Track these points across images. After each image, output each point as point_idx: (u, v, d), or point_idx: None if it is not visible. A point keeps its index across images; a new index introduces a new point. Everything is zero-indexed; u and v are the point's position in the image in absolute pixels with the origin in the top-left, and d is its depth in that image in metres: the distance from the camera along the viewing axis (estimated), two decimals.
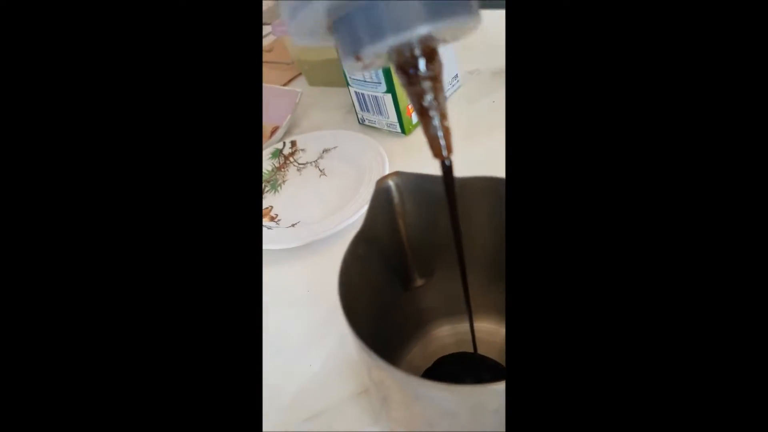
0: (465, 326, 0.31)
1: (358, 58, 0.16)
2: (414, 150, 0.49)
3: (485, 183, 0.23)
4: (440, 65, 0.16)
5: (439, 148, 0.16)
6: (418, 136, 0.53)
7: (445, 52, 0.45)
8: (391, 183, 0.24)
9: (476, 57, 0.62)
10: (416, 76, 0.16)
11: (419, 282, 0.29)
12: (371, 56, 0.15)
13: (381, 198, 0.24)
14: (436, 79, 0.16)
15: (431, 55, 0.16)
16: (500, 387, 0.15)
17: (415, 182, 0.24)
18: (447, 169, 0.18)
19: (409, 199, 0.24)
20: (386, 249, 0.25)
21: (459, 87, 0.57)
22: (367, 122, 0.55)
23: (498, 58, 0.61)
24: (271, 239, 0.43)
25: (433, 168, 0.20)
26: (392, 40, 0.15)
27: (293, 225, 0.45)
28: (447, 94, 0.56)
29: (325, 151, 0.53)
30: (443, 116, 0.16)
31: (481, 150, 0.45)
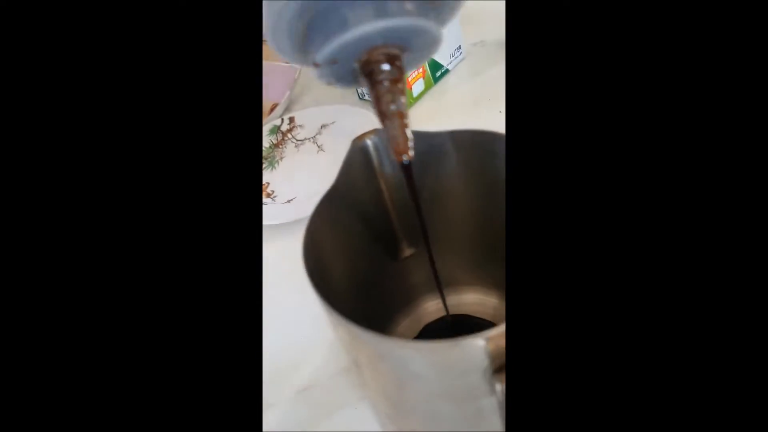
0: (458, 299, 0.30)
1: (315, 65, 0.16)
2: (413, 124, 0.48)
3: (476, 137, 0.22)
4: (400, 71, 0.16)
5: (399, 148, 0.15)
6: (418, 110, 0.51)
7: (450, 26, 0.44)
8: (369, 142, 0.22)
9: (481, 29, 0.59)
10: (377, 81, 0.16)
11: (408, 252, 0.28)
12: (326, 61, 0.16)
13: (358, 158, 0.22)
14: (396, 82, 0.16)
15: (392, 61, 0.16)
16: (461, 343, 0.14)
17: None
18: (406, 167, 0.18)
19: (389, 157, 0.23)
20: (367, 214, 0.24)
21: (462, 59, 0.55)
22: (367, 97, 0.53)
23: (503, 30, 0.59)
24: (266, 215, 0.42)
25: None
26: (338, 41, 0.15)
27: (289, 201, 0.44)
28: (450, 66, 0.54)
29: (324, 126, 0.51)
30: (402, 117, 0.16)
31: (484, 124, 0.43)
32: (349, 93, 0.56)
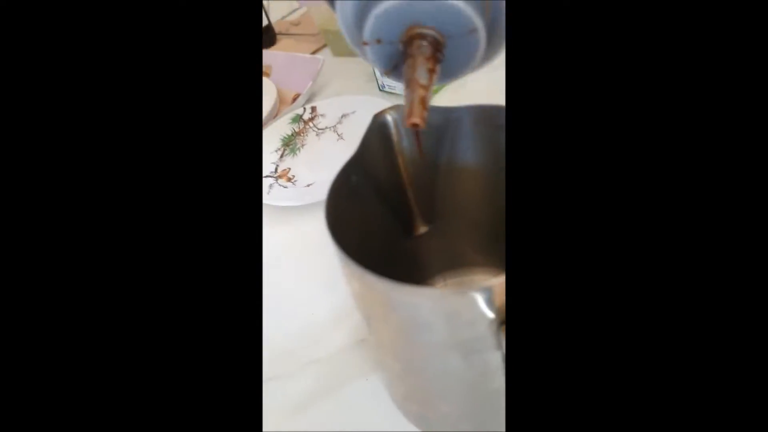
0: (470, 280, 0.31)
1: (364, 44, 0.18)
2: None
3: (491, 111, 0.23)
4: (435, 53, 0.17)
5: (411, 113, 0.17)
6: (437, 101, 0.52)
7: None
8: (389, 117, 0.24)
9: None
10: (410, 54, 0.17)
11: (422, 228, 0.29)
12: (371, 38, 0.17)
13: (378, 132, 0.24)
14: (428, 59, 0.17)
15: (432, 44, 0.17)
16: (472, 292, 0.15)
17: None
18: (415, 132, 0.19)
19: (407, 133, 0.24)
20: (384, 187, 0.25)
21: None
22: (387, 88, 0.54)
23: None
24: (287, 197, 0.44)
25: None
26: (375, 13, 0.16)
27: (308, 185, 0.45)
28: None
29: (344, 116, 0.53)
30: (423, 88, 0.17)
31: None
32: (370, 84, 0.57)
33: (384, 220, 0.27)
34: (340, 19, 0.18)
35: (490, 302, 0.15)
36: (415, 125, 0.16)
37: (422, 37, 0.17)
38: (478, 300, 0.15)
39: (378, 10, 0.16)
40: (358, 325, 0.33)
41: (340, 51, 0.67)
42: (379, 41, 0.17)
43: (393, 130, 0.24)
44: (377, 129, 0.24)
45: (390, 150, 0.25)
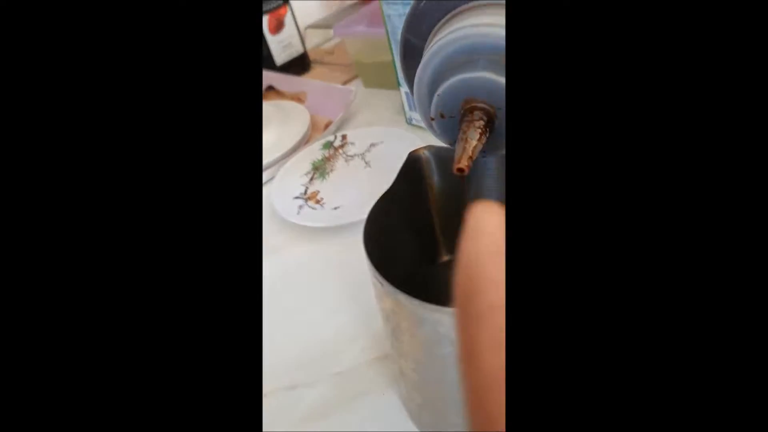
0: None
1: (431, 119, 0.20)
2: None
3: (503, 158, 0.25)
4: (486, 124, 0.19)
5: (462, 161, 0.19)
6: None
7: None
8: (422, 154, 0.26)
9: None
10: (466, 120, 0.19)
11: (445, 257, 0.31)
12: (436, 113, 0.20)
13: (411, 167, 0.26)
14: (478, 127, 0.20)
15: (485, 115, 0.19)
16: None
17: (446, 155, 0.26)
18: (461, 175, 0.21)
19: (439, 170, 0.27)
20: (413, 215, 0.28)
21: None
22: (414, 122, 0.57)
23: None
24: (316, 219, 0.47)
25: None
26: (442, 88, 0.19)
27: (335, 208, 0.48)
28: None
29: (372, 145, 0.56)
30: (470, 145, 0.19)
31: None
32: (398, 117, 0.61)
33: (411, 246, 0.29)
34: (417, 102, 0.21)
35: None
36: (461, 170, 0.18)
37: (476, 108, 0.19)
38: None
39: (440, 89, 0.19)
40: (378, 341, 0.35)
41: (371, 83, 0.71)
42: (442, 116, 0.20)
43: (425, 166, 0.27)
44: (411, 164, 0.26)
45: (421, 183, 0.27)
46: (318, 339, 0.37)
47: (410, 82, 0.22)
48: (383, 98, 0.67)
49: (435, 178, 0.27)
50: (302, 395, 0.33)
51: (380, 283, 0.20)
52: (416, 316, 0.19)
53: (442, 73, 0.19)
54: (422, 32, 0.22)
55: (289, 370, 0.35)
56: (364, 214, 0.44)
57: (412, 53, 0.22)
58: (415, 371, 0.23)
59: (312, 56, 0.82)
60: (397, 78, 0.55)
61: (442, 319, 0.18)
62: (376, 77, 0.69)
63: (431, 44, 0.20)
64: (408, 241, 0.28)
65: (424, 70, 0.20)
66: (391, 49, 0.53)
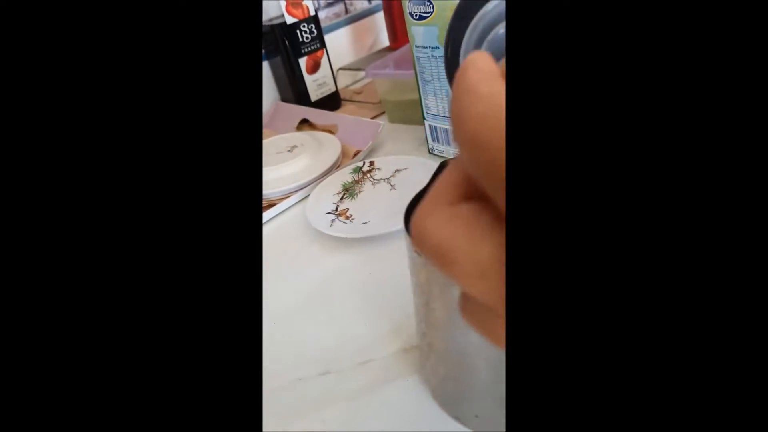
0: None
1: None
2: None
3: None
4: None
5: None
6: None
7: None
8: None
9: None
10: None
11: None
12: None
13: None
14: None
15: None
16: None
17: None
18: None
19: None
20: None
21: None
22: (436, 152, 0.63)
23: None
24: (346, 231, 0.52)
25: None
26: None
27: (364, 223, 0.53)
28: None
29: (398, 171, 0.62)
30: None
31: None
32: (421, 148, 0.67)
33: None
34: (464, 53, 0.23)
35: None
36: None
37: None
38: None
39: (490, 35, 0.22)
40: (402, 335, 0.39)
41: (395, 119, 0.78)
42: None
43: None
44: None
45: None
46: (347, 334, 0.41)
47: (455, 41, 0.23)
48: (407, 132, 0.73)
49: None
50: (332, 380, 0.37)
51: (417, 254, 0.24)
52: (448, 282, 0.23)
53: (493, 23, 0.22)
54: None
55: (322, 360, 0.39)
56: (390, 228, 0.49)
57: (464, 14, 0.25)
58: (443, 340, 0.27)
59: (342, 95, 0.90)
60: (422, 113, 0.61)
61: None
62: (400, 113, 0.76)
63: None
64: None
65: (479, 20, 0.23)
66: (418, 86, 0.59)
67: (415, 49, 0.56)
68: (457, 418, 0.31)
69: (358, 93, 0.91)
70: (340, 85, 0.91)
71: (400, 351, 0.38)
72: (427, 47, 0.54)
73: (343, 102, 0.89)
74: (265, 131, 0.82)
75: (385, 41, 1.03)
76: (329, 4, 0.99)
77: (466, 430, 0.30)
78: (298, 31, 0.77)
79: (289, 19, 0.76)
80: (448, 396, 0.30)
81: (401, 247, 0.49)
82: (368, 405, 0.34)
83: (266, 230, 0.58)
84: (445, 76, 0.54)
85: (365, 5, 1.04)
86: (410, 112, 0.73)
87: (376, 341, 0.39)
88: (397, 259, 0.48)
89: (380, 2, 1.03)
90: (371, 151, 0.69)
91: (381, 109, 0.82)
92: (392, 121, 0.78)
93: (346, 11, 1.02)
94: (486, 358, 0.25)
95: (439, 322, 0.26)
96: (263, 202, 0.61)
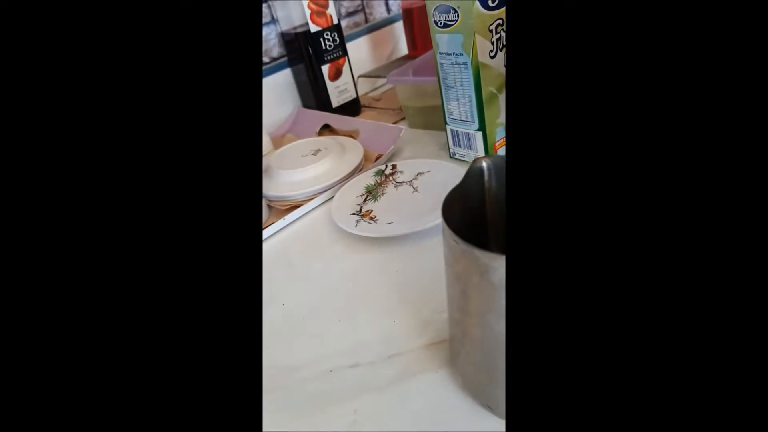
0: None
1: None
2: None
3: None
4: None
5: None
6: None
7: None
8: (484, 163, 0.33)
9: None
10: None
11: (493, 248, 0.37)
12: None
13: (475, 173, 0.33)
14: None
15: None
16: None
17: (502, 163, 0.33)
18: None
19: (496, 177, 0.33)
20: (470, 215, 0.34)
21: None
22: (457, 155, 0.65)
23: None
24: (371, 230, 0.53)
25: None
26: None
27: (388, 223, 0.55)
28: None
29: (419, 174, 0.63)
30: None
31: None
32: (442, 152, 0.68)
33: (468, 233, 0.35)
34: None
35: None
36: None
37: None
38: None
39: None
40: (431, 329, 0.40)
41: (415, 124, 0.79)
42: None
43: (486, 172, 0.33)
44: (475, 169, 0.33)
45: (481, 187, 0.34)
46: (375, 329, 0.42)
47: None
48: (427, 137, 0.75)
49: (492, 183, 0.33)
50: (362, 372, 0.38)
51: (455, 242, 0.25)
52: (487, 266, 0.25)
53: None
54: None
55: (351, 353, 0.40)
56: (414, 228, 0.50)
57: None
58: (479, 326, 0.28)
59: (362, 102, 0.92)
60: (444, 118, 0.63)
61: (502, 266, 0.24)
62: (421, 119, 0.78)
63: None
64: (467, 229, 0.34)
65: None
66: (441, 92, 0.61)
67: (438, 55, 0.57)
68: (489, 407, 0.31)
69: (377, 100, 0.93)
70: (361, 92, 0.93)
71: (429, 345, 0.39)
72: (451, 54, 0.55)
73: (362, 108, 0.91)
74: (288, 136, 0.84)
75: (404, 50, 1.05)
76: (350, 14, 1.02)
77: (493, 422, 0.31)
78: (321, 39, 0.80)
79: (313, 27, 0.78)
80: (482, 384, 0.31)
81: (425, 246, 0.50)
82: (397, 395, 0.36)
83: (292, 230, 0.60)
84: (469, 82, 0.56)
85: (384, 15, 1.07)
86: (431, 118, 0.75)
87: (404, 335, 0.40)
88: (422, 258, 0.49)
89: (399, 12, 1.06)
90: (393, 156, 0.71)
91: (401, 115, 0.84)
92: (413, 126, 0.80)
93: (366, 20, 1.04)
94: None
95: (476, 309, 0.27)
96: (288, 203, 0.62)
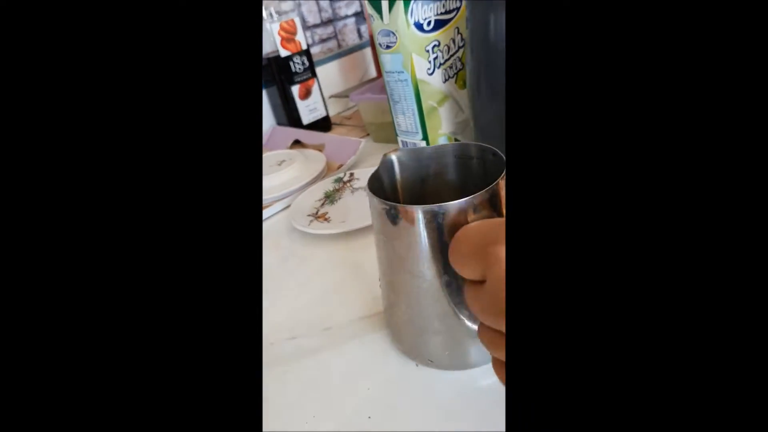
0: None
1: None
2: None
3: (457, 148, 0.38)
4: None
5: None
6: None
7: None
8: (393, 156, 0.39)
9: None
10: None
11: None
12: None
13: (387, 165, 0.39)
14: None
15: None
16: (436, 209, 0.28)
17: (409, 155, 0.39)
18: None
19: (405, 168, 0.39)
20: (388, 195, 0.40)
21: None
22: None
23: None
24: (325, 228, 0.59)
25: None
26: None
27: (342, 221, 0.61)
28: None
29: None
30: None
31: None
32: None
33: None
34: None
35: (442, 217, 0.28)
36: None
37: None
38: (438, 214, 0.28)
39: None
40: (365, 306, 0.45)
41: (378, 139, 0.86)
42: None
43: (396, 164, 0.39)
44: (387, 162, 0.39)
45: (393, 175, 0.40)
46: (315, 308, 0.47)
47: None
48: (386, 149, 0.81)
49: (403, 174, 0.39)
50: (299, 344, 0.43)
51: (379, 202, 0.30)
52: (396, 213, 0.30)
53: None
54: None
55: (289, 328, 0.45)
56: (363, 224, 0.56)
57: None
58: (403, 272, 0.32)
59: (334, 120, 0.99)
60: (395, 132, 0.69)
61: (417, 212, 0.29)
62: (382, 134, 0.84)
63: None
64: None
65: None
66: (390, 108, 0.68)
67: (385, 74, 0.65)
68: (430, 361, 0.36)
69: (348, 118, 1.01)
70: (334, 111, 1.01)
71: (365, 317, 0.44)
72: (394, 72, 0.63)
73: (334, 126, 0.98)
74: (264, 151, 0.91)
75: (373, 72, 1.13)
76: (323, 40, 1.10)
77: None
78: (291, 63, 0.87)
79: (283, 53, 0.86)
80: (417, 341, 0.36)
81: (370, 240, 0.56)
82: (332, 357, 0.41)
83: None
84: (411, 97, 0.63)
85: (356, 41, 1.15)
86: (390, 133, 0.82)
87: (343, 312, 0.46)
88: (369, 250, 0.54)
89: (368, 38, 1.14)
90: (356, 165, 0.77)
91: (366, 131, 0.91)
92: (376, 141, 0.87)
93: (339, 46, 1.12)
94: (435, 306, 0.32)
95: (400, 259, 0.32)
96: None
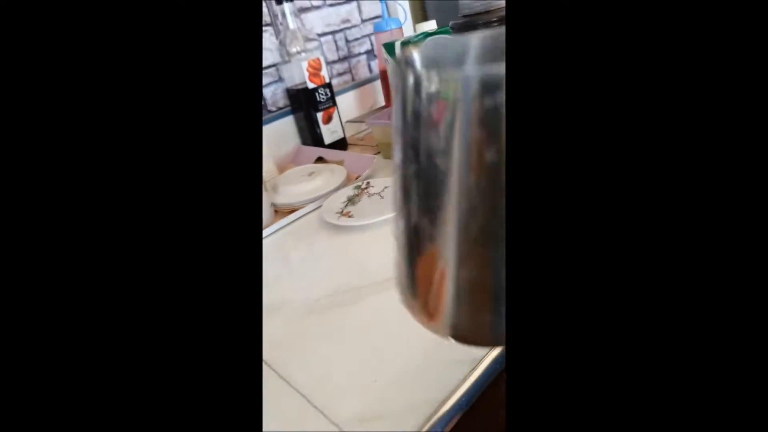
0: None
1: None
2: None
3: None
4: None
5: None
6: None
7: None
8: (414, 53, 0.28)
9: None
10: None
11: None
12: None
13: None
14: None
15: None
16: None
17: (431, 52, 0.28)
18: None
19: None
20: None
21: None
22: None
23: None
24: (348, 222, 0.76)
25: None
26: None
27: (362, 218, 0.77)
28: None
29: (386, 187, 0.86)
30: None
31: None
32: None
33: None
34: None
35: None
36: None
37: None
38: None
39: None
40: (388, 275, 0.61)
41: (388, 156, 1.04)
42: None
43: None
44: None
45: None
46: (346, 278, 0.64)
47: None
48: None
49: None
50: (330, 306, 0.59)
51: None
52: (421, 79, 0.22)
53: None
54: None
55: (332, 289, 0.61)
56: (379, 219, 0.73)
57: None
58: (418, 160, 0.25)
59: (350, 140, 1.17)
60: None
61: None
62: (391, 152, 1.02)
63: None
64: None
65: None
66: None
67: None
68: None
69: (361, 139, 1.18)
70: (348, 133, 1.19)
71: (384, 280, 0.60)
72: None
73: (350, 145, 1.16)
74: (290, 166, 1.09)
75: (382, 101, 1.32)
76: (340, 74, 1.29)
77: None
78: (316, 94, 1.06)
79: (310, 85, 1.04)
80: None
81: (385, 233, 0.73)
82: (364, 307, 0.57)
83: (293, 226, 0.82)
84: None
85: (368, 74, 1.34)
86: None
87: (362, 279, 0.62)
88: (383, 240, 0.71)
89: (378, 73, 1.33)
90: (369, 176, 0.94)
91: (377, 149, 1.09)
92: (386, 157, 1.04)
93: (353, 79, 1.31)
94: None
95: (407, 136, 0.26)
96: (289, 208, 0.85)
